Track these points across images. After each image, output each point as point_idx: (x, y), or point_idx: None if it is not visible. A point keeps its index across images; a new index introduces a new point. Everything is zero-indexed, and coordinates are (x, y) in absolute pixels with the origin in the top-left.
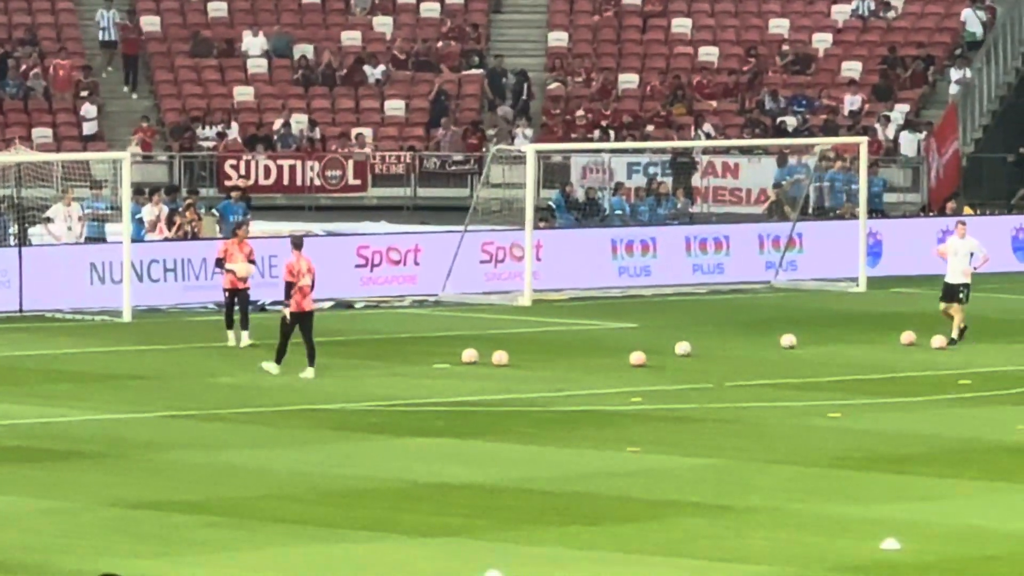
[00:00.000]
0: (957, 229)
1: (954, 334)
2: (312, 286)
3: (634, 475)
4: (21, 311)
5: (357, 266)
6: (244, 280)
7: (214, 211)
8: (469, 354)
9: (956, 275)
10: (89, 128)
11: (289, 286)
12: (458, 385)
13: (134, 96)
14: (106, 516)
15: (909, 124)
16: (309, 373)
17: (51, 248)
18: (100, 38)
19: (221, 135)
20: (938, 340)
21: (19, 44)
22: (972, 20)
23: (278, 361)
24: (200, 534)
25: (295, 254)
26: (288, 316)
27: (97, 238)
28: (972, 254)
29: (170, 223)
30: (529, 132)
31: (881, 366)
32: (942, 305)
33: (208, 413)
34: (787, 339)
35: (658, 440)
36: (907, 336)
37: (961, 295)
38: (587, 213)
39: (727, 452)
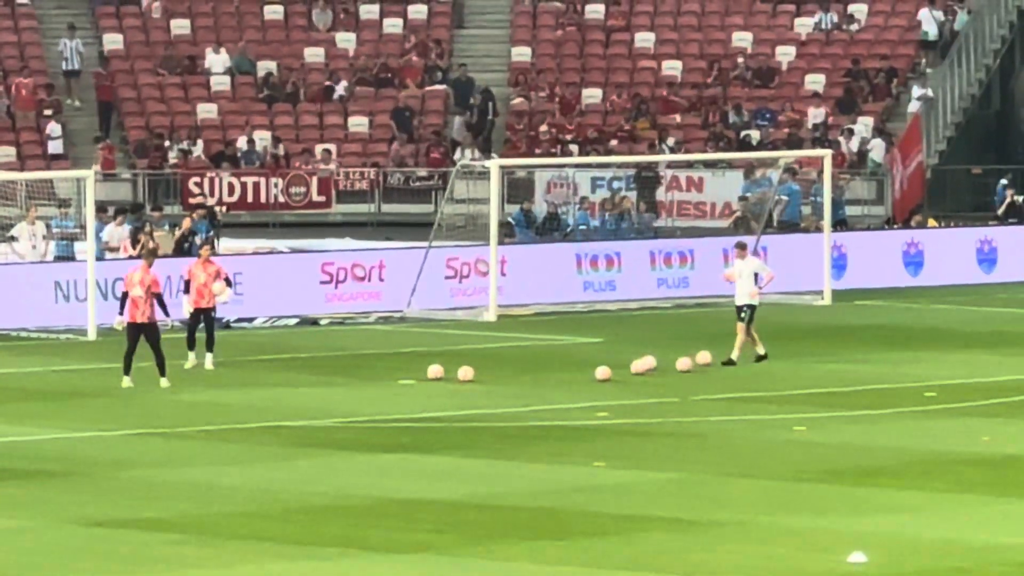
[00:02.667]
0: (737, 252)
1: (760, 349)
2: (150, 300)
3: (601, 490)
4: None
5: (322, 283)
6: (210, 300)
7: (176, 228)
8: (435, 370)
9: (743, 297)
10: (54, 147)
11: (125, 296)
12: (424, 401)
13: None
14: (72, 534)
15: (878, 133)
16: (163, 383)
17: (16, 267)
18: (63, 67)
19: (185, 152)
20: (685, 361)
21: None
22: (928, 20)
23: (126, 372)
24: (167, 552)
25: (141, 266)
26: (120, 326)
27: (66, 257)
28: (757, 275)
29: (134, 242)
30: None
31: (846, 379)
32: (740, 325)
33: (174, 431)
34: (682, 363)
35: (624, 455)
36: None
37: (743, 315)
38: (548, 228)
39: (693, 466)
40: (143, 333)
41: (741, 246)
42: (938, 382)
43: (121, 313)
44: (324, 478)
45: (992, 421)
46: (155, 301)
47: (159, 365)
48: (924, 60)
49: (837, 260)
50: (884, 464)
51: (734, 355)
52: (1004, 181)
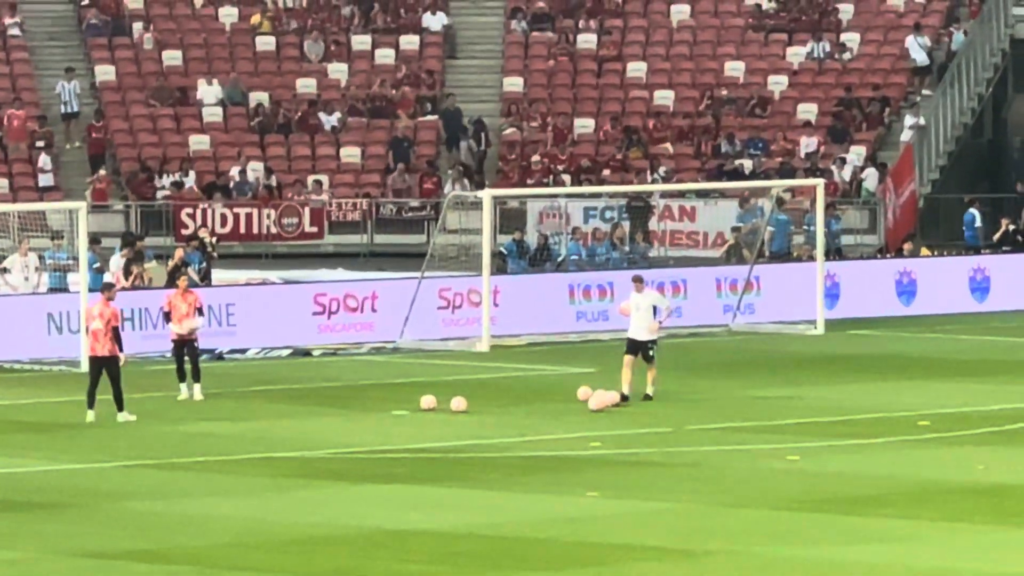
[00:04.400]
0: (635, 285)
1: (649, 390)
2: (110, 334)
3: (594, 520)
4: None
5: (314, 314)
6: (190, 333)
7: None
8: (428, 401)
9: (641, 332)
10: (45, 180)
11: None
12: (417, 432)
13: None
14: (65, 566)
15: (871, 162)
16: (120, 417)
17: (8, 299)
18: (61, 110)
19: (178, 184)
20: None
21: None
22: (914, 47)
23: (89, 406)
24: None
25: (101, 299)
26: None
27: (59, 288)
28: (656, 308)
29: (127, 273)
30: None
31: (840, 408)
32: (627, 358)
33: (167, 462)
34: (427, 400)
35: (617, 484)
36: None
37: (651, 351)
38: (540, 259)
39: (686, 496)
40: (104, 367)
41: (638, 279)
42: (931, 411)
43: None
44: (318, 509)
45: (986, 450)
46: (114, 335)
47: (116, 399)
48: (919, 85)
49: (830, 289)
50: (877, 493)
51: (625, 390)
52: (972, 210)
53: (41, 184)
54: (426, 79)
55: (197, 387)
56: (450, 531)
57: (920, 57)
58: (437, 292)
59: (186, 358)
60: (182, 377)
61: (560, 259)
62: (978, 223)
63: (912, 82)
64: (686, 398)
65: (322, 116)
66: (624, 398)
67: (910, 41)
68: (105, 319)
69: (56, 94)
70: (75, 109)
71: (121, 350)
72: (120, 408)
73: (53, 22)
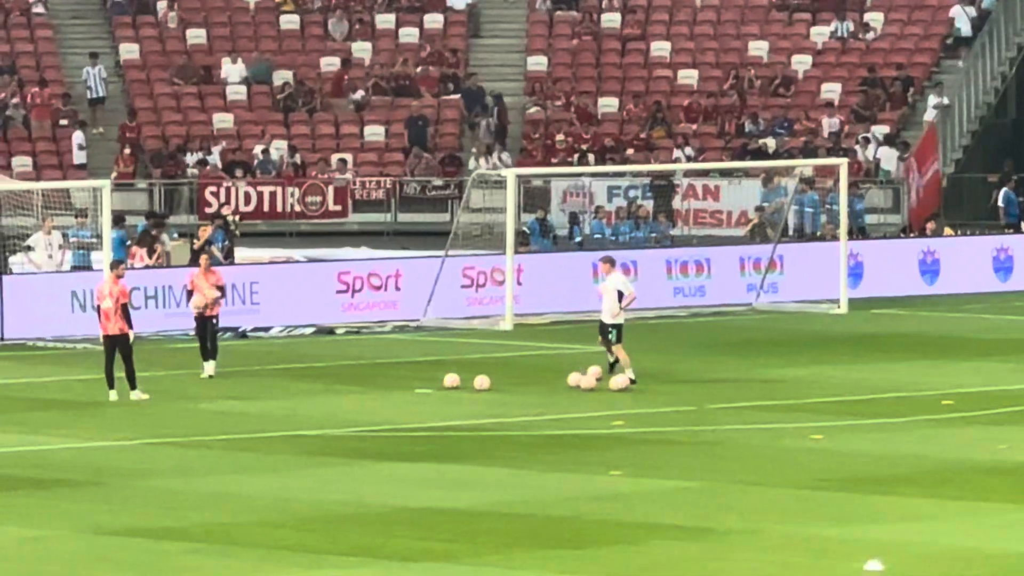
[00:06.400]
0: (602, 267)
1: (629, 374)
2: (120, 311)
3: (616, 498)
4: (3, 339)
5: (338, 292)
6: (211, 308)
7: (195, 238)
8: (451, 379)
9: (606, 315)
10: (80, 157)
11: (99, 309)
12: (440, 410)
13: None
14: (89, 544)
15: (889, 141)
16: (134, 395)
17: (32, 276)
18: (87, 95)
19: (201, 162)
20: (619, 380)
21: None
22: (961, 17)
23: (110, 386)
24: (184, 561)
25: (110, 277)
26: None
27: (83, 266)
28: (621, 293)
29: (150, 251)
30: (506, 157)
31: (863, 387)
32: (600, 339)
33: (190, 440)
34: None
35: (640, 463)
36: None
37: (610, 335)
38: (568, 236)
39: (709, 474)
40: (116, 345)
41: (607, 260)
42: (955, 390)
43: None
44: (341, 487)
45: (1009, 429)
46: (123, 312)
47: (129, 377)
48: (954, 56)
49: (853, 269)
50: (901, 472)
51: (630, 374)
52: (1007, 189)
53: (76, 162)
54: (450, 58)
55: (212, 363)
56: (473, 509)
57: (965, 28)
58: (461, 270)
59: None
60: (205, 355)
61: (580, 238)
62: (1019, 200)
63: (949, 52)
64: (709, 377)
65: (346, 94)
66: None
67: (956, 11)
68: (115, 297)
69: (81, 72)
70: (101, 94)
71: (131, 327)
72: (133, 386)
73: (77, 0)
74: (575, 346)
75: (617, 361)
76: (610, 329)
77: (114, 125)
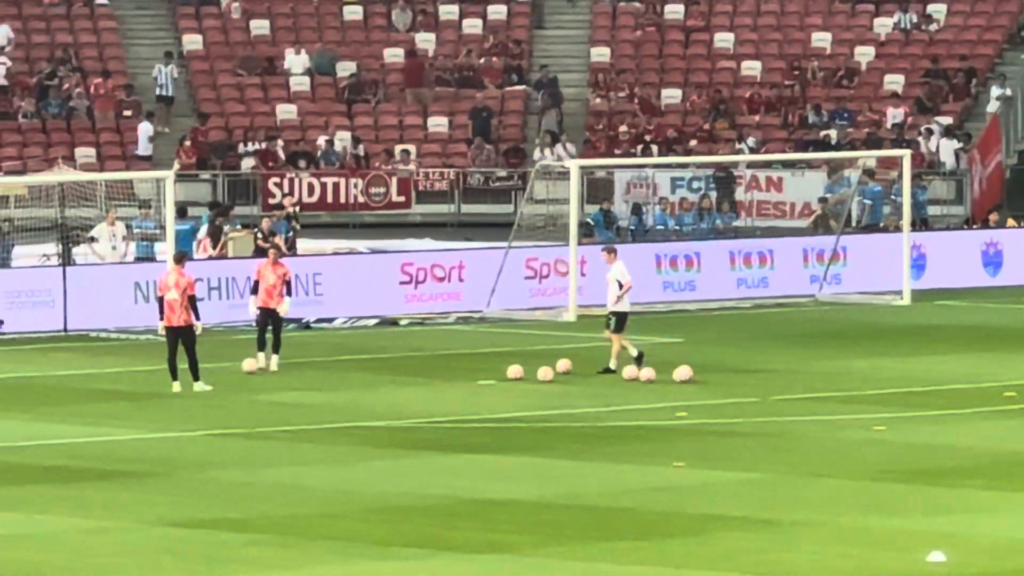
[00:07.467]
0: (604, 256)
1: (611, 364)
2: (185, 303)
3: (679, 490)
4: (66, 331)
5: (402, 283)
6: (276, 303)
7: (258, 229)
8: (514, 370)
9: (609, 304)
10: (145, 149)
11: (161, 300)
12: (503, 401)
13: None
14: (152, 535)
15: (949, 133)
16: (197, 387)
17: (95, 267)
18: (157, 92)
19: (266, 153)
20: (683, 371)
21: (60, 63)
22: None
23: (173, 378)
24: (246, 552)
25: (173, 268)
26: (162, 330)
27: (146, 257)
28: (619, 282)
29: (215, 242)
30: (570, 148)
31: (926, 379)
32: (605, 333)
33: (253, 431)
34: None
35: (703, 455)
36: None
37: (608, 323)
38: (633, 233)
39: (772, 466)
40: (179, 336)
41: (608, 249)
42: (1018, 382)
43: (161, 318)
44: (403, 478)
45: None
46: (190, 304)
47: (192, 369)
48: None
49: (916, 260)
50: (964, 464)
51: (612, 364)
52: None
53: (142, 153)
54: (513, 49)
55: (275, 357)
56: (536, 501)
57: None
58: (524, 262)
59: (269, 328)
60: (261, 346)
61: (647, 228)
62: None
63: (1001, 53)
64: (772, 368)
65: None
66: (610, 371)
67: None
68: (181, 288)
69: (144, 64)
70: (170, 93)
71: (198, 318)
72: (196, 377)
73: None
74: (638, 337)
75: (642, 355)
76: (608, 317)
77: (181, 117)
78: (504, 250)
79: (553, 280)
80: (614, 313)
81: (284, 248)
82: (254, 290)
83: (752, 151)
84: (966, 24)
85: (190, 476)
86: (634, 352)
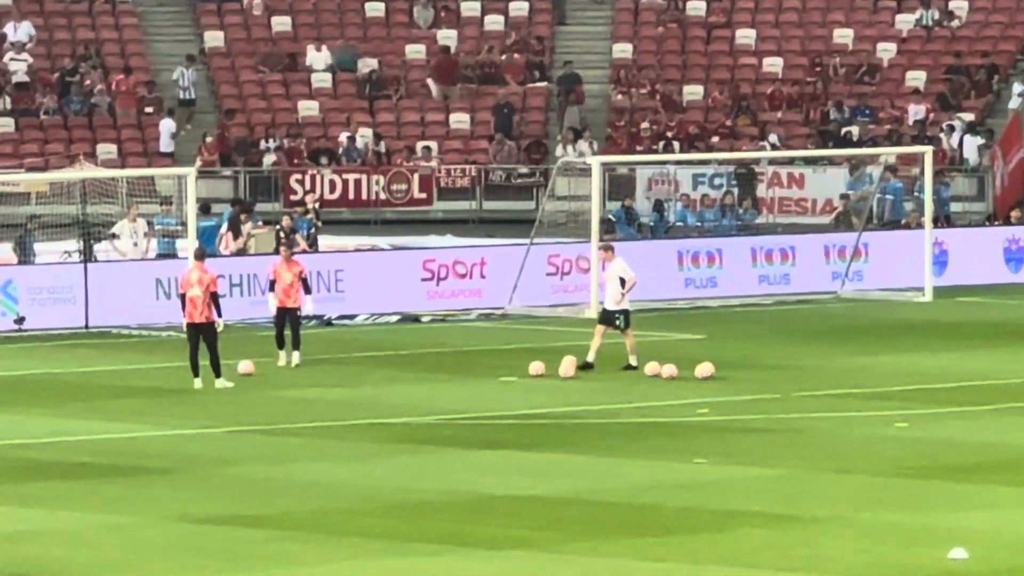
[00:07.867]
0: (602, 254)
1: (631, 360)
2: (208, 300)
3: (702, 486)
4: (87, 327)
5: (423, 280)
6: (292, 301)
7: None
8: (536, 367)
9: (609, 302)
10: (166, 145)
11: (183, 297)
12: (525, 397)
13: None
14: (173, 531)
15: (971, 130)
16: (218, 383)
17: (117, 264)
18: (179, 96)
19: (288, 150)
20: (705, 368)
21: (82, 60)
22: None
23: (195, 374)
24: (268, 549)
25: (195, 265)
26: (185, 327)
27: (168, 254)
28: (622, 280)
29: (235, 237)
30: (594, 145)
31: (948, 375)
32: (598, 327)
33: (275, 427)
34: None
35: (726, 451)
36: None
37: (618, 322)
38: (654, 229)
39: (794, 462)
40: (201, 333)
41: (606, 247)
42: None
43: (184, 315)
44: (426, 475)
45: None
46: (212, 301)
47: (213, 365)
48: None
49: (938, 257)
50: (986, 460)
51: (590, 357)
52: None
53: (163, 149)
54: (535, 45)
55: (296, 354)
56: (558, 497)
57: None
58: (546, 258)
59: (287, 325)
60: (281, 344)
61: (668, 225)
62: None
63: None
64: (794, 365)
65: (431, 82)
66: (587, 366)
67: None
68: (204, 285)
69: (165, 60)
70: (192, 96)
71: (220, 315)
72: (217, 374)
73: None
74: (660, 334)
75: (591, 366)
76: (617, 316)
77: (203, 114)
78: (526, 247)
79: (575, 277)
80: (622, 312)
81: (306, 245)
82: (271, 287)
83: (774, 148)
84: (988, 20)
85: (212, 472)
86: (590, 358)
